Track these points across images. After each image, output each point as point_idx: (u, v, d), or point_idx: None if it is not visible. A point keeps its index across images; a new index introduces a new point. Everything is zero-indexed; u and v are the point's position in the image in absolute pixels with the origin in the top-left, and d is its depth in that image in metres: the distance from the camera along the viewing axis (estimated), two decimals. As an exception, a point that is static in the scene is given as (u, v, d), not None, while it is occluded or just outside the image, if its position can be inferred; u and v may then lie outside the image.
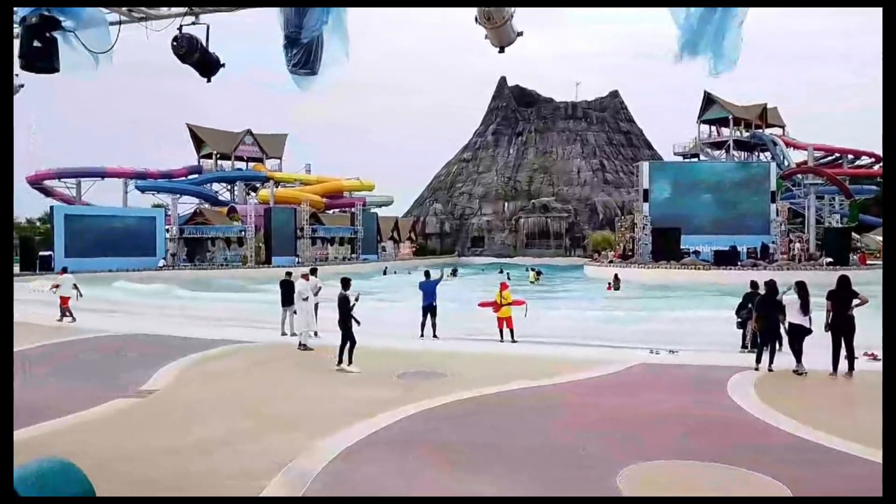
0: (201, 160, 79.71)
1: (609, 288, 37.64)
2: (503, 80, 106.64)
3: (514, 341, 15.93)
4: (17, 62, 6.43)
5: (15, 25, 6.42)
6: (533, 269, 50.31)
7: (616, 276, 39.26)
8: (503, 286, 16.85)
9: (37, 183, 70.55)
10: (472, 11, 5.21)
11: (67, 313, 20.00)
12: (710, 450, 7.20)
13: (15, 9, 6.57)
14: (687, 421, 8.57)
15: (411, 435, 7.87)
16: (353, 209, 73.26)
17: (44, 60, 6.23)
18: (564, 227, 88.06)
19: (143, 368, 11.85)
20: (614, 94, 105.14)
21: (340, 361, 11.98)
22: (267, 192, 70.56)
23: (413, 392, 10.09)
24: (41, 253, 48.35)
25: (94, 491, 3.93)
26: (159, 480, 6.32)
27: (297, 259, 56.00)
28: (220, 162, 79.47)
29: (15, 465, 4.05)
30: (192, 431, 7.99)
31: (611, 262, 52.82)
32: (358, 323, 12.22)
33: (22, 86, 7.96)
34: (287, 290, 16.60)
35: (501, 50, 5.30)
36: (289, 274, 17.57)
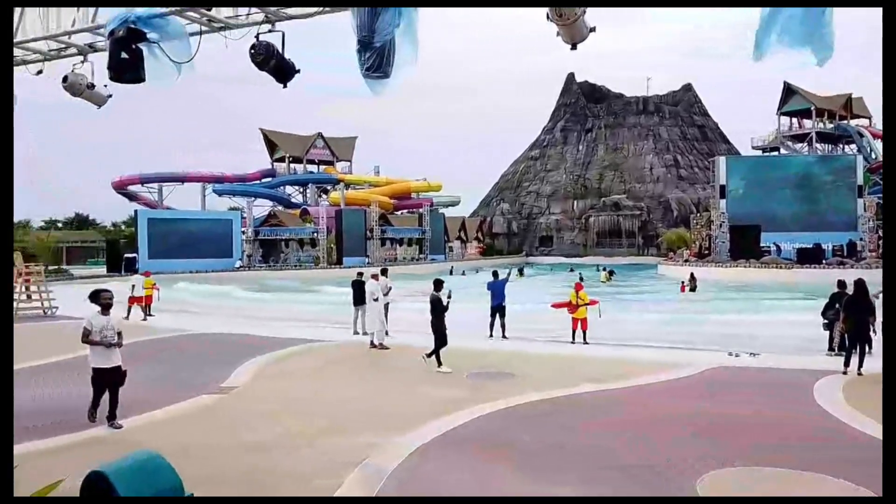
0: (274, 164, 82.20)
1: (683, 289, 36.54)
2: (571, 76, 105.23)
3: (585, 343, 15.69)
4: (105, 74, 6.82)
5: (103, 39, 6.80)
6: (605, 269, 49.42)
7: (692, 275, 37.96)
8: (578, 286, 16.60)
9: (122, 188, 74.41)
10: (538, 9, 5.18)
11: (144, 312, 21.01)
12: (794, 456, 6.89)
13: (102, 20, 6.94)
14: (769, 426, 8.23)
15: (484, 435, 7.86)
16: (420, 210, 73.93)
17: (131, 71, 6.58)
18: (637, 225, 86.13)
19: (222, 366, 12.28)
20: (687, 88, 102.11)
21: (440, 364, 12.00)
22: (338, 194, 72.09)
23: (484, 392, 10.08)
24: (126, 255, 50.85)
25: (182, 483, 4.10)
26: (242, 474, 6.53)
27: (367, 259, 56.94)
28: (292, 165, 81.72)
29: (109, 457, 4.27)
30: (272, 428, 8.22)
31: (686, 260, 51.32)
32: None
33: (110, 95, 8.42)
34: (358, 289, 16.88)
35: (574, 47, 5.22)
36: (360, 274, 17.86)
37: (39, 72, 8.71)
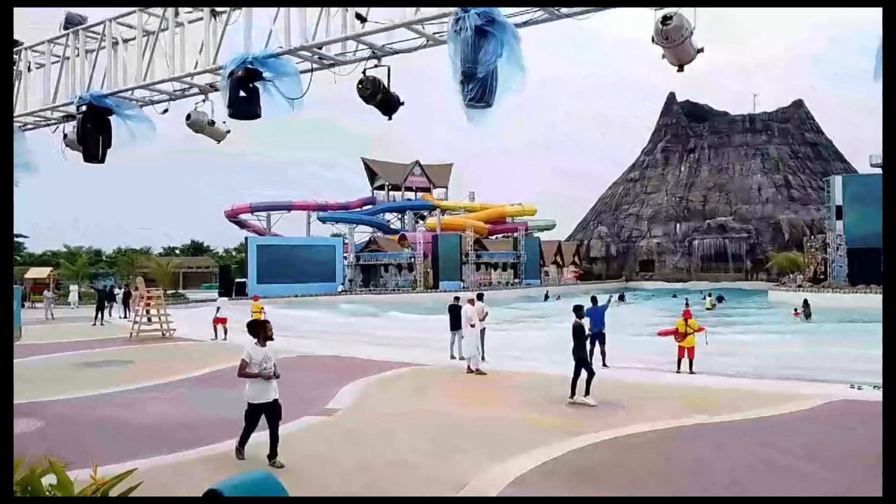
0: (374, 191, 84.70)
1: (796, 314, 34.49)
2: (672, 96, 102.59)
3: (691, 372, 15.05)
4: (225, 111, 7.33)
5: (223, 79, 7.30)
6: (710, 295, 47.29)
7: (805, 301, 35.79)
8: (687, 314, 16.00)
9: (233, 216, 78.72)
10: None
11: (224, 333, 22.11)
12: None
13: (222, 62, 7.46)
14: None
15: (586, 465, 7.67)
16: (515, 234, 73.80)
17: (248, 108, 7.04)
18: (744, 248, 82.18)
19: (325, 387, 12.65)
20: (798, 104, 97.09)
21: (573, 394, 11.41)
22: (434, 220, 73.19)
23: (584, 421, 9.85)
24: (237, 280, 53.56)
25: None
26: (347, 495, 6.67)
27: (462, 284, 57.32)
28: (391, 193, 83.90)
29: (222, 476, 4.49)
30: (375, 449, 8.37)
31: (800, 286, 48.44)
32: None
33: (228, 131, 9.02)
34: (455, 314, 16.96)
35: (680, 68, 5.11)
36: (457, 299, 17.94)
37: (165, 111, 9.44)
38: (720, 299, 46.31)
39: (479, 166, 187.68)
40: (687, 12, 4.76)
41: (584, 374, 11.44)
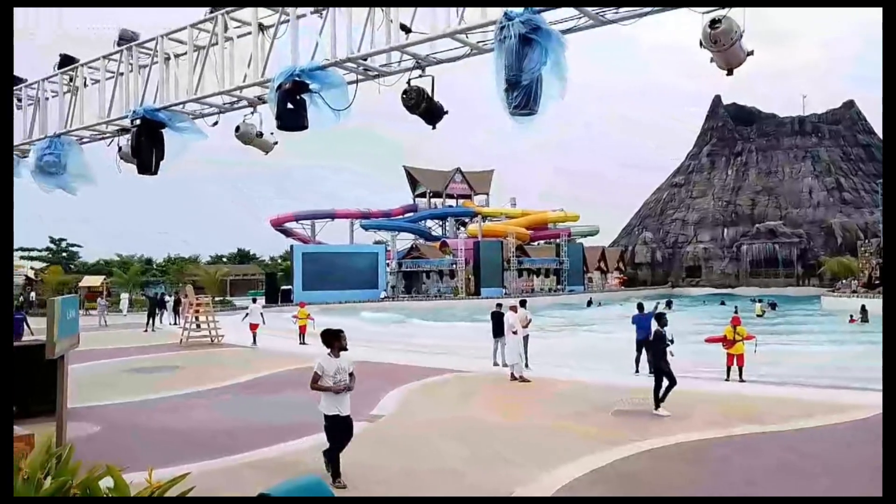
0: (416, 199, 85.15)
1: (852, 321, 33.41)
2: (717, 98, 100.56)
3: (741, 380, 14.70)
4: (273, 123, 7.49)
5: (271, 92, 7.47)
6: (760, 301, 46.09)
7: (863, 307, 34.69)
8: (736, 321, 15.65)
9: (278, 225, 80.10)
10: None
11: (253, 338, 22.79)
12: None
13: (269, 75, 7.62)
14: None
15: (633, 475, 7.55)
16: (557, 240, 73.17)
17: (295, 120, 7.18)
18: (795, 253, 79.81)
19: (369, 394, 12.67)
20: (849, 105, 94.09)
21: (657, 405, 11.03)
22: (475, 227, 73.20)
23: (630, 430, 9.71)
24: (283, 287, 54.41)
25: (341, 509, 4.29)
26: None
27: (504, 290, 57.09)
28: (432, 200, 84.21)
29: (272, 480, 4.57)
30: (420, 456, 8.40)
31: (854, 291, 46.91)
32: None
33: (276, 143, 9.22)
34: (497, 321, 16.92)
35: (730, 72, 5.02)
36: (499, 306, 17.89)
37: (215, 123, 9.71)
38: (773, 306, 45.09)
39: (509, 170, 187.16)
40: (736, 15, 4.71)
41: (656, 383, 11.28)
